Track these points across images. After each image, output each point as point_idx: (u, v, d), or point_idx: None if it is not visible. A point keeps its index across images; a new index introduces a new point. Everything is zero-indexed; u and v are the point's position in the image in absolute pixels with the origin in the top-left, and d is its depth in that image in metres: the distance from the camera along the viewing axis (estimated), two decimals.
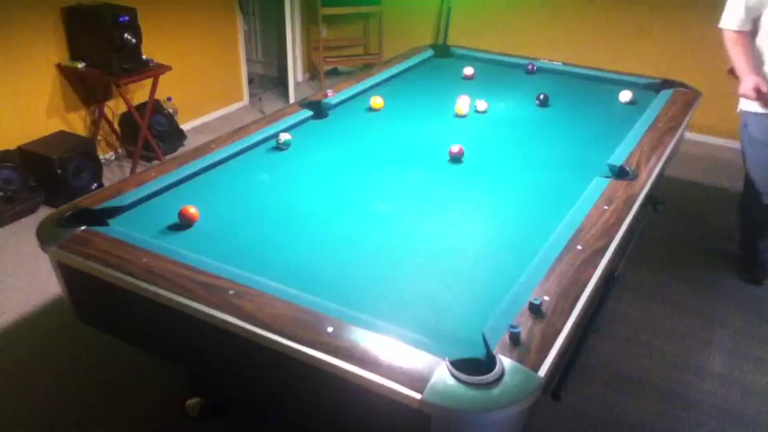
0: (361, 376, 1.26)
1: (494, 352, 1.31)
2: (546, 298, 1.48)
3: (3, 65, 3.35)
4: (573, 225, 1.83)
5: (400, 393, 1.22)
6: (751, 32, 2.57)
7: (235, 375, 1.65)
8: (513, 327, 1.37)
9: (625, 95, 2.99)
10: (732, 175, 4.03)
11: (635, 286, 2.90)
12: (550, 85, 3.20)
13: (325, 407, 1.45)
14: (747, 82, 2.51)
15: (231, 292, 1.48)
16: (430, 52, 3.70)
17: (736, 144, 4.48)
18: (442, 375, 1.24)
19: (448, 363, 1.26)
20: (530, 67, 3.45)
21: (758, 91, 2.48)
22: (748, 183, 2.83)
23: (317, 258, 1.73)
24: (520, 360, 1.29)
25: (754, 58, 2.56)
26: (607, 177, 2.16)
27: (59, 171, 3.40)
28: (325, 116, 2.74)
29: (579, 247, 1.71)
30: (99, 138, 3.98)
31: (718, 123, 4.42)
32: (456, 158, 2.33)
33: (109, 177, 3.80)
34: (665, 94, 3.02)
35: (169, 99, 4.31)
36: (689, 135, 4.38)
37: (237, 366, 1.59)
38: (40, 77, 3.56)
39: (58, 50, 3.60)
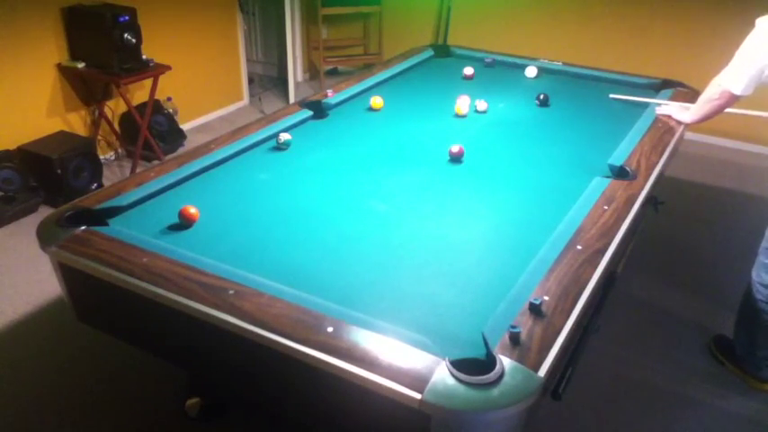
0: (361, 376, 1.26)
1: (494, 352, 1.31)
2: (546, 298, 1.48)
3: (3, 65, 3.35)
4: (573, 225, 1.83)
5: (400, 393, 1.22)
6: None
7: (234, 375, 1.65)
8: (513, 327, 1.37)
9: (531, 71, 3.27)
10: (732, 176, 4.03)
11: (635, 286, 2.90)
12: (550, 85, 3.21)
13: (324, 407, 1.45)
14: (678, 116, 2.70)
15: (231, 292, 1.48)
16: (430, 52, 3.70)
17: (736, 144, 4.52)
18: (442, 375, 1.24)
19: (448, 363, 1.26)
20: (488, 60, 3.51)
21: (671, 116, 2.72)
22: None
23: (317, 258, 1.72)
24: (520, 360, 1.29)
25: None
26: (607, 177, 2.17)
27: (59, 171, 3.40)
28: (326, 116, 2.74)
29: (579, 247, 1.71)
30: (99, 138, 3.98)
31: (718, 123, 4.41)
32: (456, 158, 2.33)
33: (109, 177, 3.80)
34: (665, 95, 3.03)
35: (169, 99, 4.31)
36: (689, 135, 4.37)
37: (237, 366, 1.59)
38: (40, 77, 3.56)
39: (58, 50, 3.60)
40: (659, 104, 2.84)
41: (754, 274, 2.33)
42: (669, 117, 2.72)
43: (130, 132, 4.02)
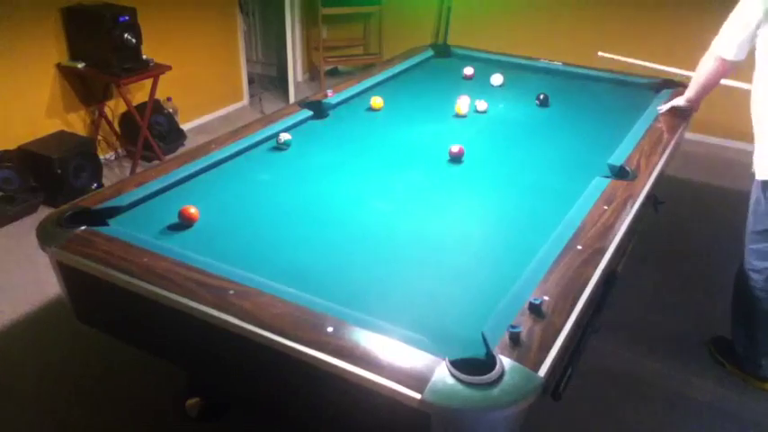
0: (361, 376, 1.26)
1: (494, 352, 1.30)
2: (546, 298, 1.48)
3: (3, 65, 3.35)
4: (573, 225, 1.83)
5: (400, 393, 1.22)
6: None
7: (235, 375, 1.65)
8: (513, 326, 1.37)
9: (496, 80, 3.17)
10: (732, 175, 4.03)
11: (635, 286, 2.89)
12: (550, 85, 3.21)
13: (325, 407, 1.45)
14: (674, 102, 2.72)
15: (231, 292, 1.48)
16: (430, 52, 3.70)
17: (736, 144, 4.51)
18: (442, 375, 1.24)
19: (448, 362, 1.26)
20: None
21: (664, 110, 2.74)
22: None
23: (318, 258, 1.73)
24: (520, 360, 1.29)
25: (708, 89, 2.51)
26: (607, 177, 2.17)
27: (59, 171, 3.40)
28: (326, 116, 2.74)
29: (579, 247, 1.71)
30: (99, 138, 3.98)
31: (718, 123, 4.42)
32: (456, 158, 2.33)
33: (109, 177, 3.80)
34: (665, 94, 3.03)
35: (169, 99, 4.31)
36: (689, 135, 4.37)
37: (237, 366, 1.59)
38: (40, 77, 3.56)
39: (58, 50, 3.60)
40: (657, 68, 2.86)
41: (745, 263, 2.32)
42: (672, 110, 2.72)
43: (130, 132, 4.02)
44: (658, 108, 2.78)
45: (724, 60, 2.25)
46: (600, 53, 2.93)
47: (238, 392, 1.97)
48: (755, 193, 2.26)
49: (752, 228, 2.28)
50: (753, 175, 2.28)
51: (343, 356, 1.29)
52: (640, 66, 2.87)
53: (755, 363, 2.37)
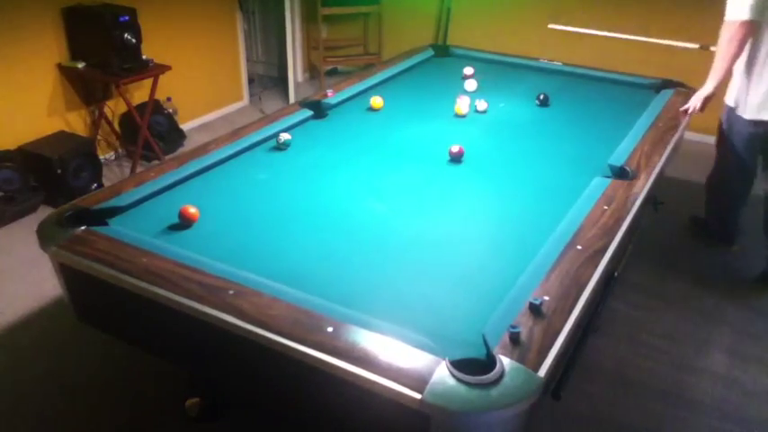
0: (360, 376, 1.26)
1: (494, 352, 1.30)
2: (546, 298, 1.48)
3: (3, 65, 3.35)
4: (573, 225, 1.83)
5: (400, 394, 1.22)
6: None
7: (234, 376, 1.65)
8: (513, 327, 1.37)
9: (470, 85, 3.11)
10: None
11: (635, 286, 2.89)
12: (550, 85, 3.21)
13: (324, 407, 1.45)
14: (703, 93, 2.77)
15: (231, 292, 1.48)
16: (430, 52, 3.70)
17: None
18: (442, 375, 1.24)
19: (448, 363, 1.26)
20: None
21: (699, 106, 2.79)
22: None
23: (317, 258, 1.72)
24: (520, 360, 1.29)
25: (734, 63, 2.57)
26: (607, 177, 2.16)
27: (59, 171, 3.40)
28: (325, 116, 2.74)
29: (579, 247, 1.71)
30: (99, 138, 3.98)
31: (718, 123, 4.41)
32: (456, 158, 2.33)
33: (109, 177, 3.80)
34: (665, 94, 3.03)
35: (169, 99, 4.31)
36: (689, 135, 4.37)
37: (237, 367, 1.59)
38: (40, 77, 3.56)
39: (58, 50, 3.60)
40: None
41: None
42: (698, 103, 2.77)
43: (130, 132, 4.02)
44: (682, 109, 2.79)
45: (743, 22, 2.29)
46: (550, 25, 3.02)
47: (238, 392, 1.97)
48: (737, 127, 2.67)
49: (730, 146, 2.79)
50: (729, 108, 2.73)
51: (342, 357, 1.29)
52: (596, 35, 2.95)
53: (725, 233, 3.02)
